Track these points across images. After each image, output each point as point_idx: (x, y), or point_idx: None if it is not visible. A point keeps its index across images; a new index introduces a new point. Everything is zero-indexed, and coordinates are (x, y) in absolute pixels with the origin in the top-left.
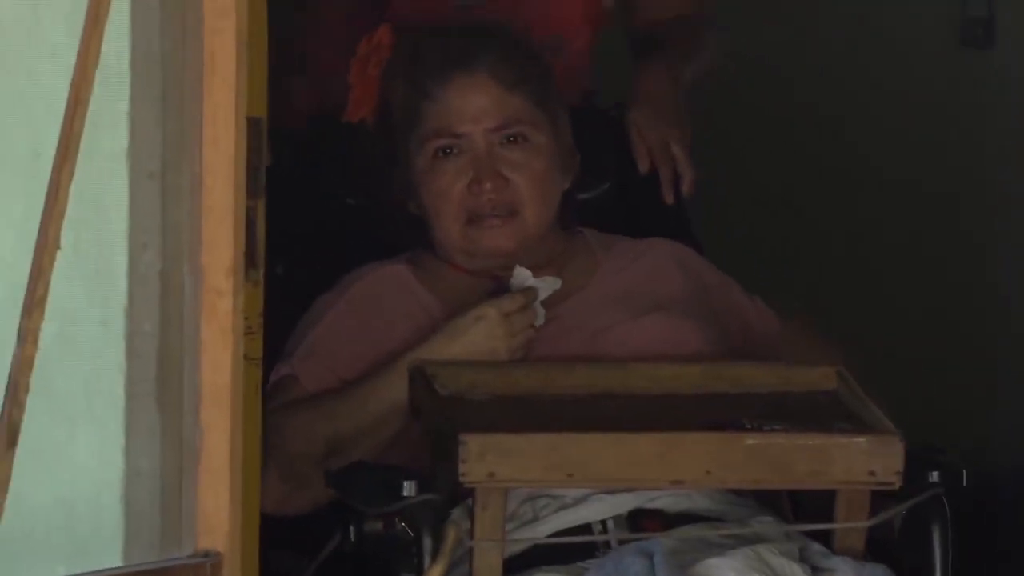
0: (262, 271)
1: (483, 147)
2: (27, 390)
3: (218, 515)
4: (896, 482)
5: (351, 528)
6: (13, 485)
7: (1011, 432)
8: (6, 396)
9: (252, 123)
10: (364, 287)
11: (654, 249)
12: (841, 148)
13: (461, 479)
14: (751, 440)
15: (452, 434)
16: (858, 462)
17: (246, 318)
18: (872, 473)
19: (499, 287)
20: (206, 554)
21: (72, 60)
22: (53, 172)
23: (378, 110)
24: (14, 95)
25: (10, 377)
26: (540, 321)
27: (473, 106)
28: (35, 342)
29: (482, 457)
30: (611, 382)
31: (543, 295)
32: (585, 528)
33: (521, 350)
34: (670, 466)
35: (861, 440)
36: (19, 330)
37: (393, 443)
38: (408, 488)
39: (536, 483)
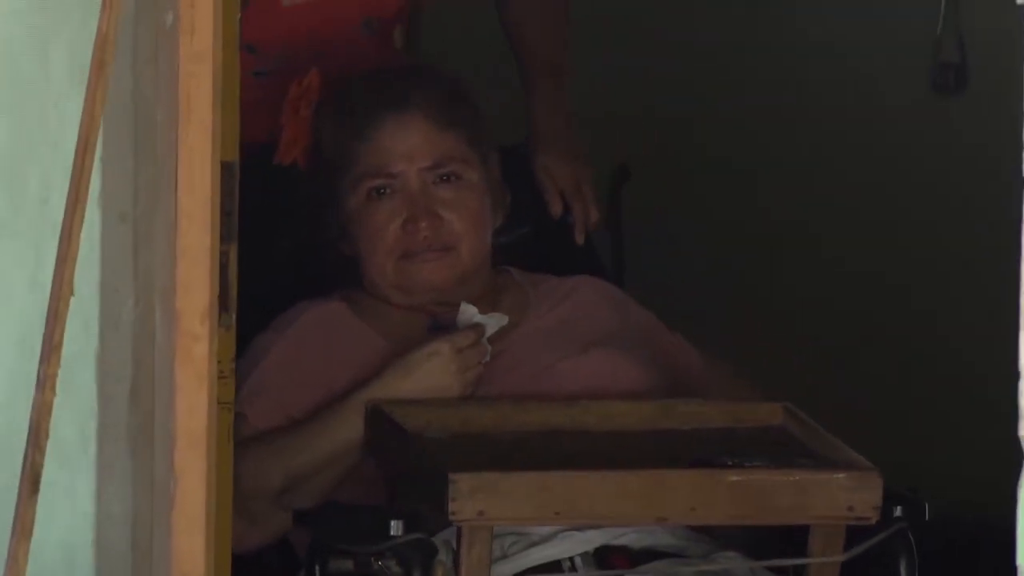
0: (234, 315)
1: (417, 186)
2: (47, 435)
3: (193, 559)
4: (873, 517)
5: (316, 568)
6: None
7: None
8: (28, 442)
9: (225, 167)
10: (306, 324)
11: (582, 287)
12: (812, 193)
13: (451, 517)
14: (734, 477)
15: (436, 472)
16: (837, 497)
17: (219, 362)
18: (850, 508)
19: (435, 323)
20: None
21: (77, 105)
22: (65, 217)
23: (310, 151)
24: (24, 141)
25: (31, 422)
26: (487, 357)
27: (406, 145)
28: (53, 388)
29: (472, 495)
30: (565, 419)
31: (490, 331)
32: (554, 565)
33: (472, 386)
34: (656, 503)
35: (841, 476)
36: (38, 376)
37: (345, 478)
38: (395, 527)
39: (524, 521)
